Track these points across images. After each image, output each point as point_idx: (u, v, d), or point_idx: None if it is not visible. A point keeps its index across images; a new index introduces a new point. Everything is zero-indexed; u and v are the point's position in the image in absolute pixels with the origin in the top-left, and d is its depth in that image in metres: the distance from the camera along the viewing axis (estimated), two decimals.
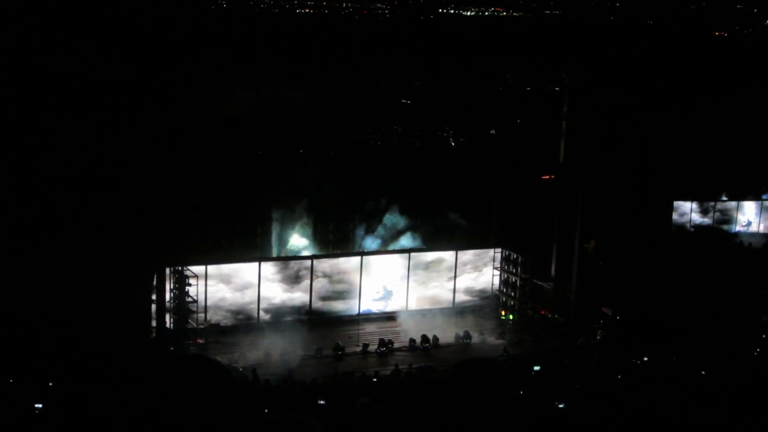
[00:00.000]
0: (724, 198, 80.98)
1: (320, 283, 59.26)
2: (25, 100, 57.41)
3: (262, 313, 57.59)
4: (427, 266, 62.12)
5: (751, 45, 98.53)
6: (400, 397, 35.50)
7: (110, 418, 16.07)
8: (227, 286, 56.88)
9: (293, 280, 58.65)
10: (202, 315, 55.20)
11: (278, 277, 58.38)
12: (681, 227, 77.85)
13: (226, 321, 56.70)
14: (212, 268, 56.17)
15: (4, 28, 60.16)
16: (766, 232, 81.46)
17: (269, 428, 15.16)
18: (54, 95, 57.55)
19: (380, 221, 65.19)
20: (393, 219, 65.10)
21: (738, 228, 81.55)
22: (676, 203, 77.72)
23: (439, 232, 64.52)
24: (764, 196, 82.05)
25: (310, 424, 14.95)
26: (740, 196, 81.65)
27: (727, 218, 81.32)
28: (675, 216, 77.96)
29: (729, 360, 44.22)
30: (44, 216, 53.87)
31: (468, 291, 63.17)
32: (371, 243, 64.54)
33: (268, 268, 58.22)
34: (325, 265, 59.70)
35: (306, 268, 58.94)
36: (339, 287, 59.85)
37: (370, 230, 64.98)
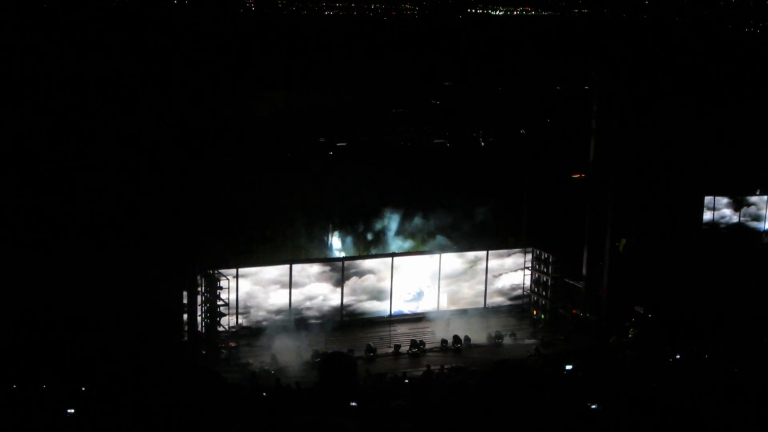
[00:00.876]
0: (758, 192, 77.98)
1: (353, 285, 59.33)
2: (60, 108, 57.96)
3: (295, 315, 57.67)
4: (459, 266, 62.07)
5: None
6: (432, 398, 35.48)
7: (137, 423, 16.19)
8: (258, 287, 57.06)
9: (327, 281, 58.78)
10: (234, 317, 55.39)
11: (324, 277, 58.54)
12: (714, 225, 75.95)
13: (259, 323, 56.80)
14: (244, 271, 56.36)
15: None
16: None
17: (306, 430, 15.24)
18: (91, 101, 58.06)
19: (411, 222, 65.16)
20: (424, 220, 65.09)
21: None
22: (709, 199, 75.66)
23: (470, 232, 64.39)
24: None
25: (345, 425, 15.03)
26: None
27: (759, 214, 78.25)
28: (707, 214, 75.89)
29: (760, 357, 43.98)
30: (76, 220, 54.32)
31: (500, 291, 63.10)
32: (403, 244, 64.53)
33: (315, 269, 58.41)
34: (356, 266, 59.77)
35: (349, 270, 59.19)
36: (372, 289, 59.88)
37: (401, 231, 64.93)
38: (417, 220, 65.14)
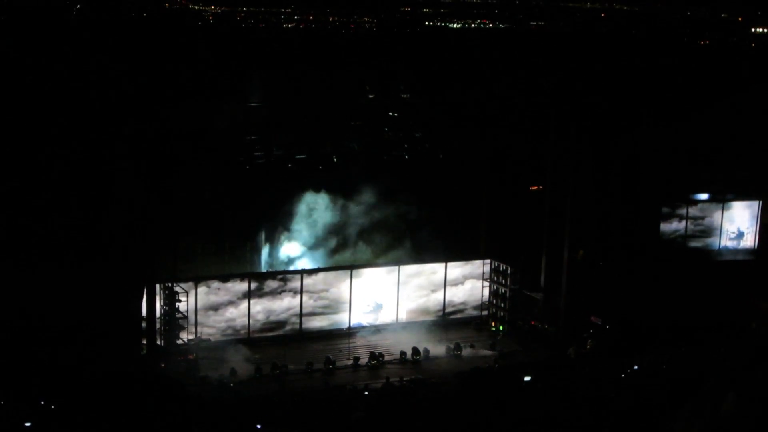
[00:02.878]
0: (730, 197, 74.63)
1: (311, 297, 59.33)
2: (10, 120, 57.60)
3: (251, 328, 57.58)
4: (417, 278, 62.16)
5: (736, 52, 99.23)
6: (393, 408, 35.66)
7: None
8: (216, 300, 56.96)
9: (284, 293, 58.72)
10: (192, 330, 55.20)
11: (262, 292, 58.40)
12: (670, 240, 74.04)
13: (217, 336, 56.64)
14: (202, 283, 56.25)
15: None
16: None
17: None
18: (43, 113, 57.77)
19: (370, 234, 65.21)
20: (382, 231, 65.21)
21: (725, 242, 75.35)
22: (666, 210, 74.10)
23: (428, 244, 64.48)
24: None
25: None
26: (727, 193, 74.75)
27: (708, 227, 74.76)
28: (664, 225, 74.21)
29: (718, 366, 44.32)
30: (32, 234, 53.97)
31: (458, 303, 63.23)
32: (362, 256, 64.56)
33: (253, 285, 58.23)
34: (314, 279, 59.75)
35: (289, 286, 59.15)
36: (330, 301, 59.90)
37: (359, 243, 64.97)
38: (376, 232, 65.23)
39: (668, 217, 73.10)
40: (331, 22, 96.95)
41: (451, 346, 58.10)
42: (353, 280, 60.24)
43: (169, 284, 53.52)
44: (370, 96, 75.63)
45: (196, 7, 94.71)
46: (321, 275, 60.28)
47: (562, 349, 56.77)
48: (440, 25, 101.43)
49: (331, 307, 60.08)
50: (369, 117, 73.47)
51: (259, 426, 37.74)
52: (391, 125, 74.13)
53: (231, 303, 57.38)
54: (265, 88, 71.06)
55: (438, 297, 62.58)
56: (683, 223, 73.56)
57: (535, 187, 65.67)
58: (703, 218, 74.65)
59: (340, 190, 64.90)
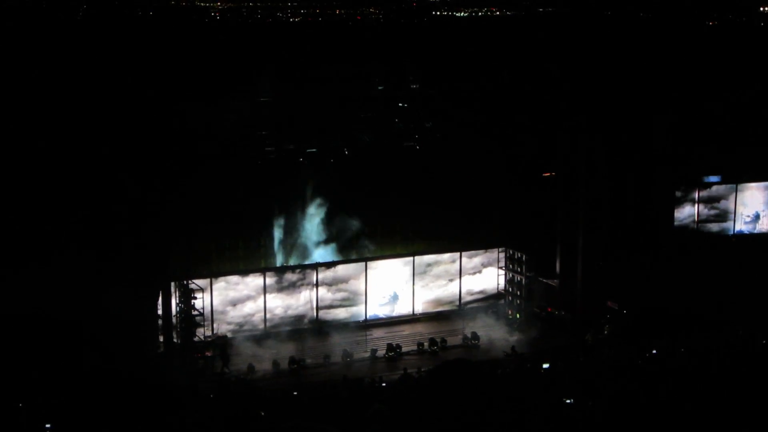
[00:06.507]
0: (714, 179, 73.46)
1: (327, 290, 59.29)
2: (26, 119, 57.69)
3: (268, 323, 57.58)
4: (432, 269, 62.04)
5: (745, 33, 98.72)
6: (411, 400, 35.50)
7: None
8: (233, 296, 56.96)
9: (300, 287, 58.70)
10: (209, 327, 55.20)
11: (281, 286, 58.38)
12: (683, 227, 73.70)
13: (233, 332, 56.62)
14: (218, 280, 56.26)
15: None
16: None
17: None
18: (57, 112, 57.86)
19: (384, 225, 65.14)
20: (395, 222, 65.11)
21: (740, 226, 74.11)
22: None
23: (442, 234, 64.37)
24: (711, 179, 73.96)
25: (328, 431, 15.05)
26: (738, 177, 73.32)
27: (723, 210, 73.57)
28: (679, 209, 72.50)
29: (737, 351, 44.23)
30: (47, 233, 54.03)
31: (474, 292, 63.08)
32: (376, 248, 64.47)
33: (273, 279, 58.18)
34: (330, 272, 59.68)
35: (308, 279, 59.07)
36: (346, 294, 59.83)
37: (374, 235, 64.86)
38: (389, 224, 65.15)
39: (682, 201, 72.32)
40: (338, 15, 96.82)
41: (468, 335, 58.04)
42: (368, 271, 60.15)
43: (185, 281, 53.51)
44: (380, 87, 75.46)
45: (203, 4, 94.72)
46: (339, 267, 60.21)
47: (580, 335, 56.64)
48: (447, 14, 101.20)
49: (350, 300, 60.01)
50: (379, 109, 73.36)
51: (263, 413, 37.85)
52: (401, 116, 74.02)
53: (249, 298, 57.37)
54: (274, 83, 71.00)
55: (456, 286, 62.44)
56: (697, 206, 72.72)
57: (548, 174, 65.50)
58: (718, 200, 73.41)
59: (353, 182, 64.84)
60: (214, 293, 56.02)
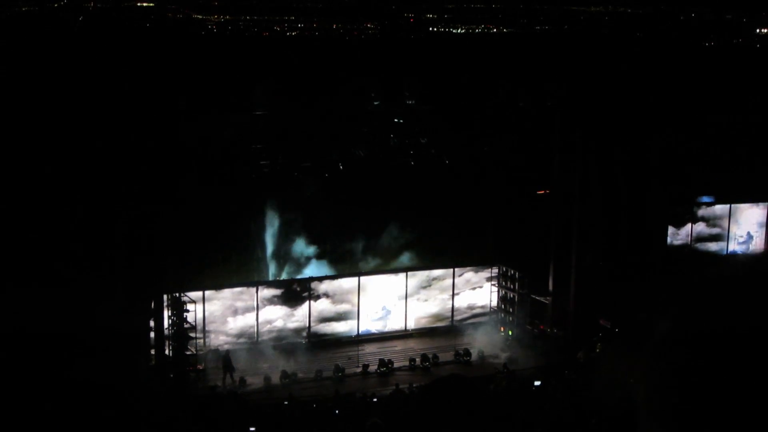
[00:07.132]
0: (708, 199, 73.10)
1: (320, 305, 59.26)
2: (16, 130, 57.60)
3: (260, 337, 57.54)
4: (425, 285, 62.03)
5: (741, 54, 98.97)
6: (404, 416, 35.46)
7: None
8: (225, 310, 56.93)
9: (293, 301, 58.67)
10: (201, 340, 55.15)
11: (278, 299, 58.35)
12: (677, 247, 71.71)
13: (226, 345, 56.53)
14: (209, 293, 56.24)
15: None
16: None
17: None
18: (60, 122, 57.80)
19: (377, 241, 65.17)
20: (390, 238, 65.09)
21: (733, 246, 73.51)
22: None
23: (436, 250, 64.40)
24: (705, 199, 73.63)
25: None
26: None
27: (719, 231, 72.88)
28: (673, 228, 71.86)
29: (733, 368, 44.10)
30: (37, 245, 53.90)
31: (466, 308, 63.08)
32: (369, 263, 64.50)
33: (268, 291, 58.18)
34: (323, 286, 59.67)
35: (308, 292, 59.08)
36: (338, 308, 59.78)
37: (367, 250, 64.91)
38: (383, 239, 65.13)
39: (683, 220, 72.01)
40: (334, 30, 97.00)
41: (461, 351, 58.02)
42: (361, 286, 60.14)
43: (177, 294, 53.45)
44: (375, 103, 75.51)
45: (200, 17, 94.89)
46: (343, 280, 60.17)
47: (572, 352, 56.62)
48: (444, 30, 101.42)
49: (352, 313, 59.97)
50: (374, 124, 73.38)
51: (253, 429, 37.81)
52: (396, 132, 74.03)
53: (247, 311, 57.36)
54: (270, 97, 71.02)
55: (450, 302, 62.45)
56: (694, 226, 72.50)
57: (542, 191, 65.54)
58: (715, 219, 73.09)
59: (347, 197, 64.86)
60: (215, 303, 56.15)
